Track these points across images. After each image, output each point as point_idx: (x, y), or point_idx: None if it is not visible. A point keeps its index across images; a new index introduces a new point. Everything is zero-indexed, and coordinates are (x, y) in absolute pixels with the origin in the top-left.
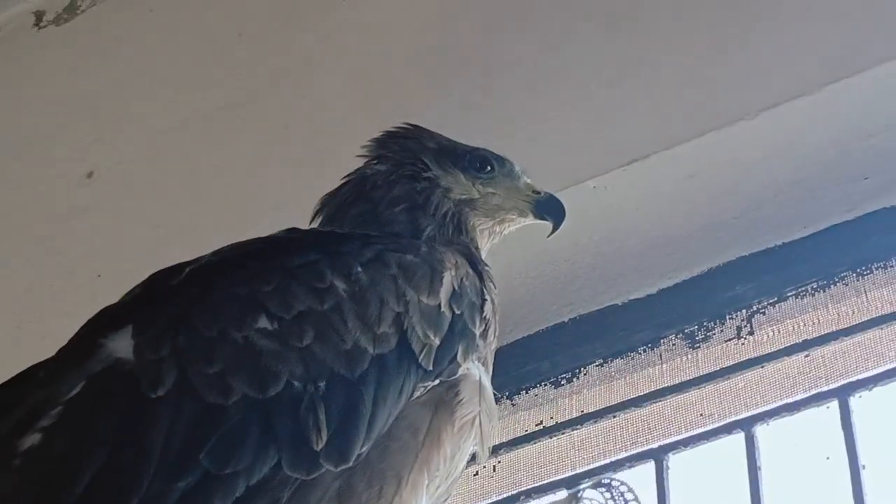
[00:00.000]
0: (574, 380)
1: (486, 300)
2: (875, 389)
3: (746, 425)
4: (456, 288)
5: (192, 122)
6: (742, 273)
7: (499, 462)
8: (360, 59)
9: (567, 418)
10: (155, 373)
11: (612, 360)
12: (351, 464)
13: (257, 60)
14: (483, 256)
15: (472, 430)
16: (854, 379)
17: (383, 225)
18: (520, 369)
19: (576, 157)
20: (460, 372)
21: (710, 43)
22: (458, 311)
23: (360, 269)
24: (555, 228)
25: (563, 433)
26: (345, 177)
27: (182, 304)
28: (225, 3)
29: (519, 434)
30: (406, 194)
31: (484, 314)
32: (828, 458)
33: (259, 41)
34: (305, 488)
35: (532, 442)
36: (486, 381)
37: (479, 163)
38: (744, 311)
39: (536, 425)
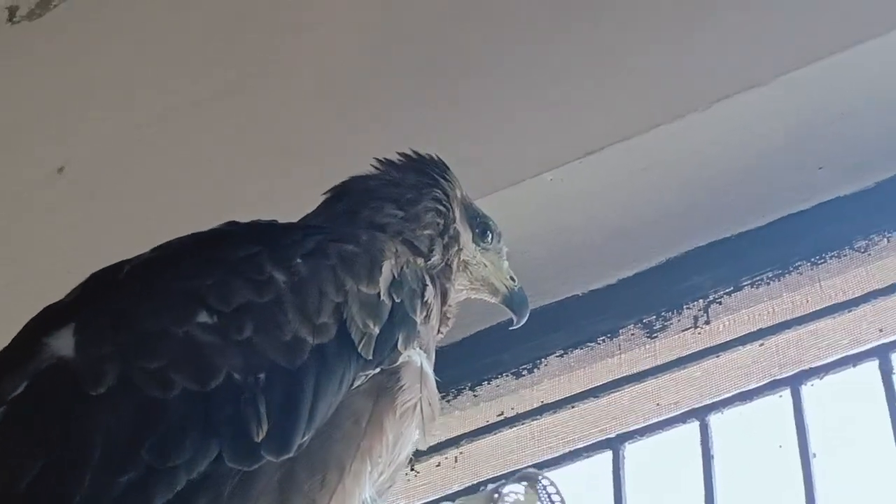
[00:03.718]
0: (535, 370)
1: (426, 286)
2: (826, 378)
3: (701, 414)
4: (395, 276)
5: (164, 117)
6: (699, 263)
7: (461, 453)
8: (329, 55)
9: (527, 409)
10: (96, 370)
11: (572, 351)
12: (292, 454)
13: (228, 54)
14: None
15: (414, 417)
16: (806, 367)
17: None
18: (481, 360)
19: (532, 149)
20: (401, 359)
21: (662, 37)
22: (397, 299)
23: (299, 260)
24: (517, 323)
25: (523, 423)
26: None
27: (122, 302)
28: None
29: (480, 425)
30: (432, 224)
31: (425, 299)
32: (780, 447)
33: (229, 35)
34: (247, 479)
35: (493, 432)
36: (428, 368)
37: (483, 230)
38: (700, 300)
39: (498, 416)
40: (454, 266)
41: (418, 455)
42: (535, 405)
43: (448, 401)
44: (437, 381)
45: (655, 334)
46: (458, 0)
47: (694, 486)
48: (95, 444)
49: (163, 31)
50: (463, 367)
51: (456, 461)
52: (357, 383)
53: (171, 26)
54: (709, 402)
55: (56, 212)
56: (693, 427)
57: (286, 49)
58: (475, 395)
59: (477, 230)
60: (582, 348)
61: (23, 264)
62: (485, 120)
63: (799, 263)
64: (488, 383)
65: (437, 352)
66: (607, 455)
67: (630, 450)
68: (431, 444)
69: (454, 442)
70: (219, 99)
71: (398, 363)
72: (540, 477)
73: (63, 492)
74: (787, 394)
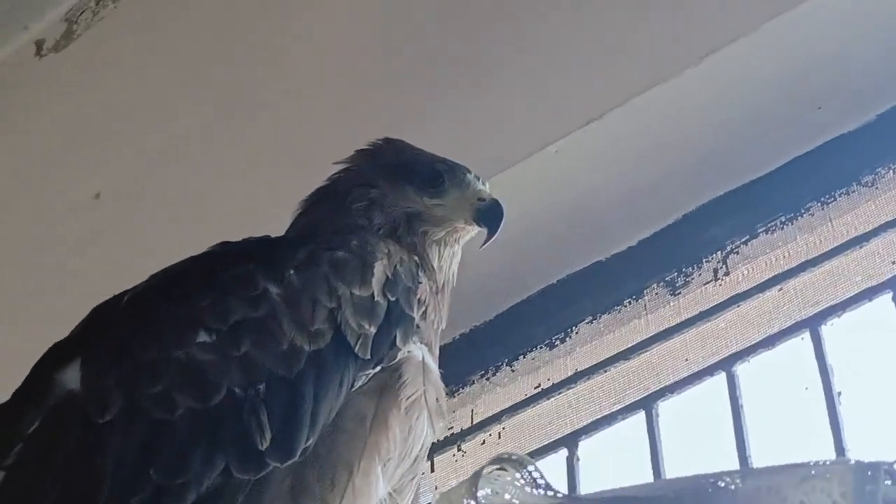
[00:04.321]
0: (567, 339)
1: (420, 283)
2: (844, 316)
3: (727, 365)
4: (389, 275)
5: (193, 137)
6: (713, 215)
7: (503, 428)
8: (335, 57)
9: (563, 378)
10: (102, 399)
11: (600, 317)
12: (297, 458)
13: (248, 67)
14: (441, 261)
15: (421, 409)
16: (824, 307)
17: (346, 217)
18: (516, 335)
19: (533, 125)
20: (400, 356)
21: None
22: (392, 298)
23: (292, 271)
24: (489, 236)
25: (559, 393)
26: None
27: (124, 331)
28: (211, 15)
29: (520, 398)
30: (362, 196)
31: (419, 296)
32: (806, 389)
33: (248, 49)
34: (258, 487)
35: (532, 405)
36: (430, 361)
37: (431, 176)
38: (718, 252)
39: (535, 388)
40: (400, 219)
41: (463, 435)
42: (570, 373)
43: (488, 378)
44: (441, 374)
45: (678, 291)
46: None
47: (725, 436)
48: (106, 470)
49: (184, 46)
50: (499, 343)
51: (500, 437)
52: (359, 384)
53: (193, 45)
54: (734, 351)
55: (94, 237)
56: (721, 378)
57: (293, 51)
58: (513, 370)
59: (420, 180)
60: (610, 313)
61: (62, 290)
62: (483, 102)
63: (810, 205)
64: (524, 357)
65: (473, 330)
66: (641, 416)
67: (662, 407)
68: (478, 420)
69: (496, 418)
70: (249, 113)
71: (398, 359)
72: (526, 462)
73: None
74: (807, 336)
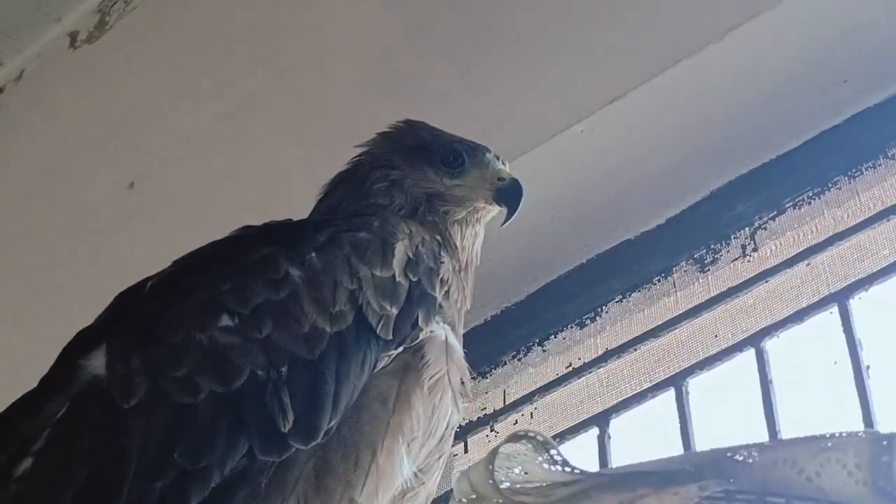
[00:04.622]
0: (597, 318)
1: (442, 262)
2: (872, 289)
3: (756, 340)
4: (411, 256)
5: (222, 123)
6: (740, 191)
7: (535, 408)
8: (359, 39)
9: (593, 357)
10: (127, 385)
11: (630, 295)
12: (320, 440)
13: (276, 53)
14: (463, 240)
15: (445, 389)
16: (852, 281)
17: (367, 198)
18: (546, 315)
19: (558, 104)
20: (423, 336)
21: None
22: (414, 279)
23: (313, 254)
24: (509, 215)
25: (590, 372)
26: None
27: (147, 317)
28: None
29: (551, 378)
30: (383, 178)
31: (441, 276)
32: (835, 363)
33: (276, 35)
34: (282, 469)
35: (564, 384)
36: (454, 340)
37: (451, 157)
38: (746, 228)
39: (566, 367)
40: (420, 199)
41: (496, 416)
42: (601, 352)
43: (519, 359)
44: (465, 353)
45: (707, 268)
46: None
47: (755, 412)
48: (131, 454)
49: (216, 37)
50: (530, 323)
51: (532, 416)
52: (381, 364)
53: (222, 31)
54: (763, 326)
55: (129, 226)
56: (750, 354)
57: (320, 35)
58: (544, 350)
59: (440, 160)
60: (639, 291)
61: (97, 280)
62: (508, 83)
63: (837, 179)
64: (555, 337)
65: (504, 311)
66: (671, 393)
67: (692, 384)
68: (510, 401)
69: (528, 398)
70: (274, 100)
71: (421, 339)
72: (542, 439)
73: (104, 503)
74: (836, 310)
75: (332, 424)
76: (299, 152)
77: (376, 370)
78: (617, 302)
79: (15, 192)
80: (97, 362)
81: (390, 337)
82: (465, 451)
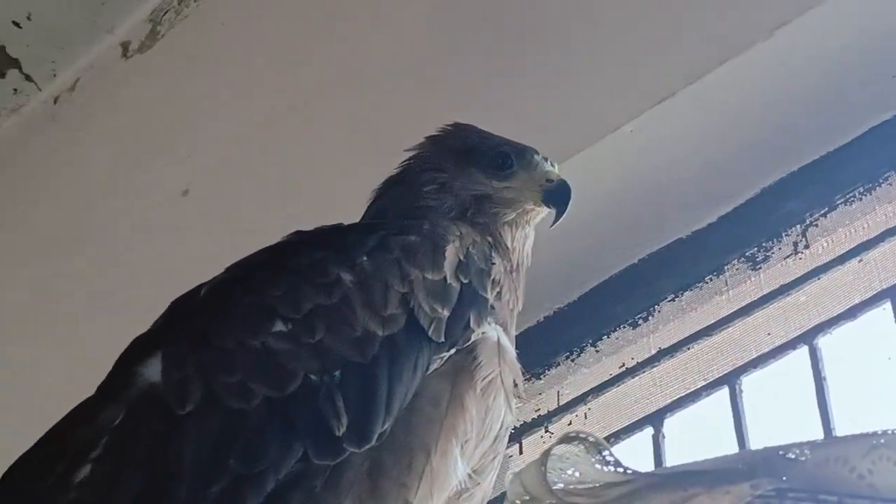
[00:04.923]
0: (650, 318)
1: (493, 264)
2: None
3: (809, 338)
4: (462, 258)
5: (273, 130)
6: (791, 188)
7: (589, 409)
8: (407, 43)
9: (646, 356)
10: (182, 391)
11: (682, 294)
12: (374, 443)
13: (325, 60)
14: (514, 242)
15: (497, 390)
16: None
17: (416, 201)
18: (599, 315)
19: (606, 105)
20: (475, 337)
21: None
22: (465, 281)
23: (364, 258)
24: (557, 217)
25: (644, 371)
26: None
27: (201, 323)
28: (287, 7)
29: (604, 378)
30: (432, 181)
31: (493, 277)
32: (889, 359)
33: (325, 41)
34: (336, 472)
35: (617, 384)
36: (506, 342)
37: (499, 159)
38: (798, 226)
39: (619, 367)
40: (468, 201)
41: (550, 416)
42: (654, 352)
43: (572, 359)
44: (517, 354)
45: (759, 266)
46: None
47: (809, 409)
48: (186, 461)
49: (266, 44)
50: (583, 324)
51: (586, 417)
52: (434, 366)
53: (272, 38)
54: (816, 323)
55: (183, 233)
56: (803, 352)
57: (370, 42)
58: (597, 351)
59: (488, 163)
60: (691, 290)
61: (152, 286)
62: (555, 85)
63: (887, 174)
64: (608, 337)
65: (556, 313)
66: (724, 391)
67: (746, 382)
68: (564, 402)
69: (582, 399)
70: (325, 101)
71: (473, 341)
72: (594, 440)
73: None
74: (889, 306)
75: (385, 427)
76: (349, 157)
77: (429, 372)
78: (669, 301)
79: (70, 201)
80: (153, 369)
81: (442, 339)
82: (521, 453)
